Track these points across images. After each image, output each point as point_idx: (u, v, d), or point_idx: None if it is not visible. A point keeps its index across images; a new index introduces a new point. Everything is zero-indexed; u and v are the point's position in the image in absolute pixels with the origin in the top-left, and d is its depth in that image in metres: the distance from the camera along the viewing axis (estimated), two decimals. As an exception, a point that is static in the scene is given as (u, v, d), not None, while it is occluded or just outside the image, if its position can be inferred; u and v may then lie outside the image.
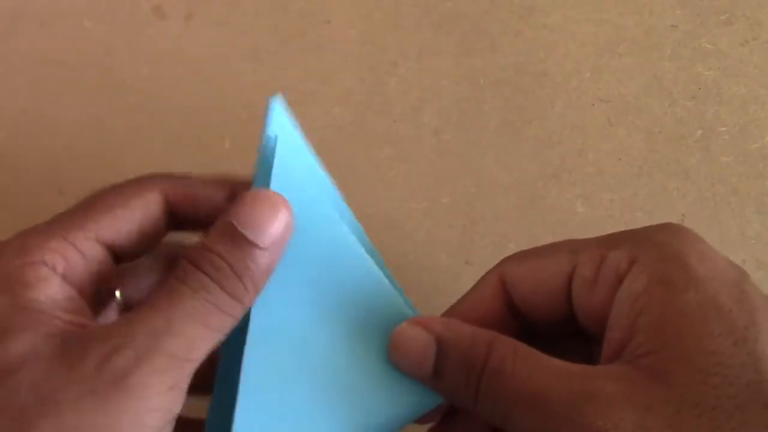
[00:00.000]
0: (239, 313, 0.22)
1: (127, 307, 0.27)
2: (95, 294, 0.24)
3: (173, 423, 0.21)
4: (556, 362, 0.21)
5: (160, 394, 0.20)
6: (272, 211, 0.22)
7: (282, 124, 0.25)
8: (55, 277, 0.22)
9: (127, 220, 0.24)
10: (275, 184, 0.24)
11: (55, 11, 0.41)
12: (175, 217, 0.26)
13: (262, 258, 0.22)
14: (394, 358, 0.24)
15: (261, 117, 0.40)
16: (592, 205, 0.38)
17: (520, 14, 0.42)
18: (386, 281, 0.25)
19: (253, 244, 0.22)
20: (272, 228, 0.22)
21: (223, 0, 0.42)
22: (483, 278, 0.26)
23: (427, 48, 0.41)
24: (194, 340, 0.21)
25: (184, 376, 0.21)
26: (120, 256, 0.25)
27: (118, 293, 0.26)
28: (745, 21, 0.42)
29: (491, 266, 0.27)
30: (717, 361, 0.20)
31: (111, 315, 0.26)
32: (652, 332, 0.21)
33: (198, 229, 0.26)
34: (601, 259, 0.23)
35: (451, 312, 0.26)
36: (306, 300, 0.24)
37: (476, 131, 0.39)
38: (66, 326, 0.21)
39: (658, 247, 0.22)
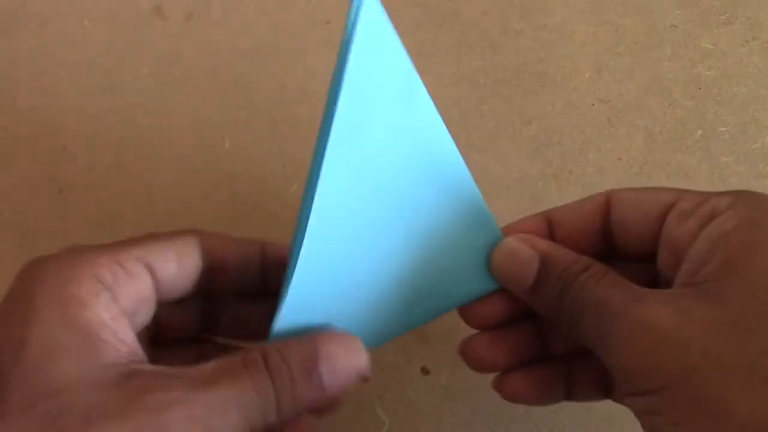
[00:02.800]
0: (273, 422, 0.23)
1: (154, 342, 0.27)
2: (139, 322, 0.24)
3: None
4: (635, 286, 0.23)
5: None
6: (357, 365, 0.24)
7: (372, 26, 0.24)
8: (109, 297, 0.22)
9: (171, 253, 0.25)
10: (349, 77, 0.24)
11: (55, 11, 0.41)
12: (212, 270, 0.26)
13: (320, 399, 0.23)
14: (496, 268, 0.27)
15: (261, 117, 0.40)
16: (592, 205, 0.38)
17: (520, 14, 0.42)
18: (461, 164, 0.27)
19: (322, 388, 0.23)
20: (347, 382, 0.23)
21: (223, 0, 0.42)
22: (592, 195, 0.27)
23: (427, 48, 0.41)
24: (231, 426, 0.21)
25: None
26: (162, 292, 0.25)
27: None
28: (745, 21, 0.42)
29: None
30: None
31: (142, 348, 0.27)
32: (722, 263, 0.22)
33: (229, 290, 0.27)
34: (705, 199, 0.24)
35: (551, 209, 0.28)
36: (373, 177, 0.25)
37: (476, 131, 0.39)
38: (120, 357, 0.21)
39: (758, 200, 0.23)
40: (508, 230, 0.28)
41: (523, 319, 0.28)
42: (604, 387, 0.28)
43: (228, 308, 0.29)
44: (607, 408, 0.30)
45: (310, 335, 0.24)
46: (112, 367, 0.21)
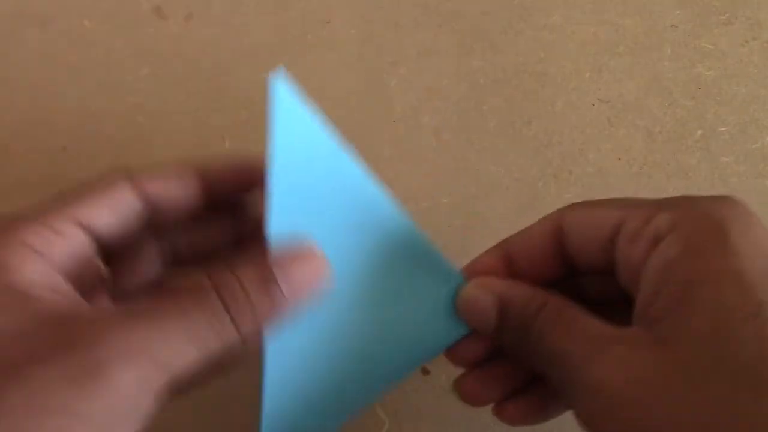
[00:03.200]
0: (235, 345, 0.22)
1: (118, 293, 0.27)
2: (80, 277, 0.24)
3: (145, 427, 0.21)
4: (589, 324, 0.23)
5: (136, 395, 0.20)
6: (315, 273, 0.23)
7: (284, 99, 0.25)
8: (37, 258, 0.22)
9: (103, 205, 0.24)
10: (277, 155, 0.24)
11: (55, 11, 0.41)
12: (151, 202, 0.26)
13: (283, 309, 0.22)
14: (460, 316, 0.27)
15: (261, 117, 0.40)
16: (592, 205, 0.38)
17: (520, 14, 0.42)
18: (403, 216, 0.26)
19: (283, 299, 0.22)
20: (308, 292, 0.23)
21: (223, 0, 0.42)
22: (544, 217, 0.27)
23: (427, 48, 0.41)
24: (182, 354, 0.21)
25: (162, 384, 0.21)
26: (103, 245, 0.25)
27: (105, 271, 0.26)
28: (745, 21, 0.42)
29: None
30: (722, 334, 0.20)
31: (102, 301, 0.26)
32: (670, 299, 0.21)
33: (177, 221, 0.27)
34: (649, 217, 0.24)
35: (506, 241, 0.28)
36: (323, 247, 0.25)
37: (476, 131, 0.39)
38: (53, 306, 0.21)
39: (702, 217, 0.22)
40: (468, 271, 0.27)
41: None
42: None
43: (183, 237, 0.28)
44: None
45: (259, 252, 0.23)
46: (47, 318, 0.20)
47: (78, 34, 0.41)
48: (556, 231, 0.26)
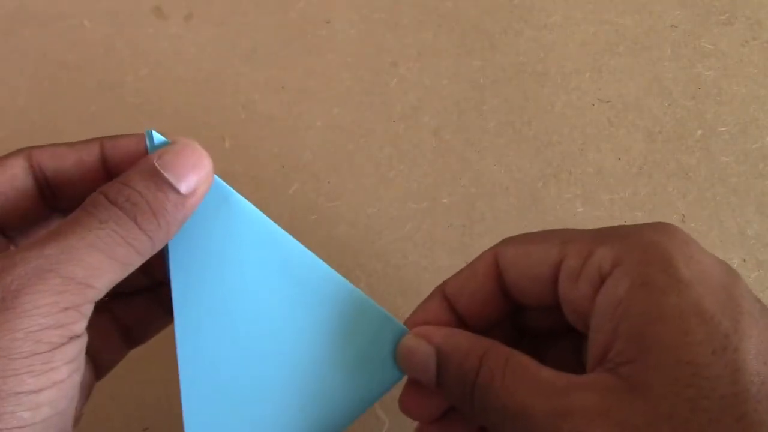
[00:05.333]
0: (147, 251, 0.22)
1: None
2: None
3: (79, 344, 0.21)
4: (544, 374, 0.22)
5: (53, 314, 0.20)
6: (196, 159, 0.23)
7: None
8: None
9: None
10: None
11: (55, 11, 0.41)
12: (51, 187, 0.25)
13: (180, 202, 0.22)
14: (402, 367, 0.26)
15: (261, 117, 0.40)
16: (592, 205, 0.38)
17: (520, 14, 0.42)
18: (325, 265, 0.26)
19: (173, 188, 0.22)
20: (194, 176, 0.23)
21: (223, 0, 0.42)
22: (480, 256, 0.26)
23: (427, 48, 0.41)
24: (94, 268, 0.21)
25: (82, 300, 0.20)
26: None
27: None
28: (745, 21, 0.42)
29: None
30: (693, 371, 0.19)
31: None
32: (632, 339, 0.20)
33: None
34: (589, 253, 0.23)
35: (444, 285, 0.27)
36: (236, 297, 0.25)
37: (476, 131, 0.39)
38: None
39: (644, 249, 0.22)
40: (410, 322, 0.26)
41: None
42: None
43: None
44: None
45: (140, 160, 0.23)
46: None
47: (78, 34, 0.41)
48: (494, 269, 0.25)
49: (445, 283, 0.27)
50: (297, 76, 0.41)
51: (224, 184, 0.25)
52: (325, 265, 0.25)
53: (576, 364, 0.26)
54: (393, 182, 0.38)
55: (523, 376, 0.22)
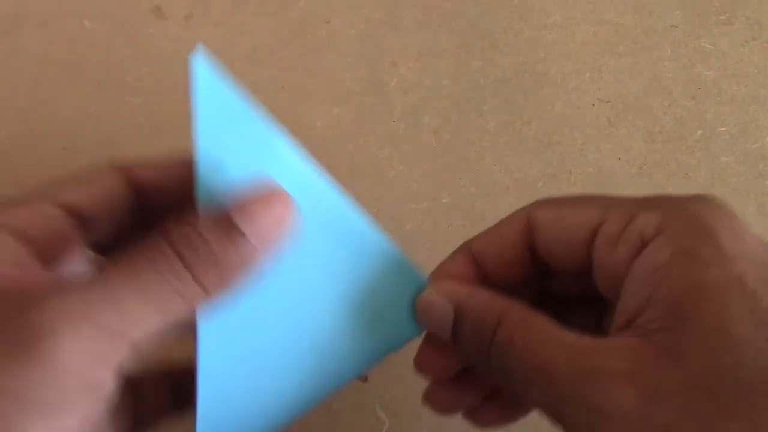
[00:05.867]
0: (200, 305, 0.20)
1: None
2: (57, 257, 0.22)
3: (112, 405, 0.19)
4: (566, 336, 0.21)
5: (86, 368, 0.18)
6: (283, 214, 0.21)
7: (207, 81, 0.23)
8: (5, 236, 0.20)
9: (89, 189, 0.23)
10: (202, 145, 0.22)
11: (55, 11, 0.41)
12: (145, 198, 0.24)
13: (251, 255, 0.20)
14: (419, 321, 0.25)
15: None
16: (592, 205, 0.38)
17: (520, 14, 0.42)
18: (355, 210, 0.25)
19: (246, 239, 0.20)
20: (276, 234, 0.21)
21: (223, 0, 0.42)
22: (511, 215, 0.25)
23: (427, 48, 0.41)
24: (136, 317, 0.18)
25: (118, 353, 0.18)
26: (78, 215, 0.23)
27: (91, 257, 0.25)
28: (745, 21, 0.42)
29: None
30: (733, 343, 0.19)
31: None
32: (668, 307, 0.20)
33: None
34: (631, 218, 0.22)
35: (472, 241, 0.26)
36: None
37: (476, 131, 0.39)
38: (3, 283, 0.19)
39: (689, 219, 0.21)
40: (435, 275, 0.26)
41: None
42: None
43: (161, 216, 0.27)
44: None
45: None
46: None
47: (78, 34, 0.41)
48: (526, 230, 0.25)
49: (472, 239, 0.26)
50: (297, 76, 0.41)
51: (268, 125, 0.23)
52: (355, 211, 0.25)
53: (597, 333, 0.26)
54: (393, 182, 0.38)
55: (544, 337, 0.21)
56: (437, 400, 0.26)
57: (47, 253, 0.22)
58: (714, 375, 0.19)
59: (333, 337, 0.25)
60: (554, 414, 0.20)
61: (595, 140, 0.39)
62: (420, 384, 0.32)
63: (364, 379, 0.23)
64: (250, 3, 0.42)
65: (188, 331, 0.22)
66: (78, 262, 0.24)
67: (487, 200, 0.38)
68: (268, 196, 0.21)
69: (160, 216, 0.25)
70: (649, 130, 0.39)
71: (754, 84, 0.40)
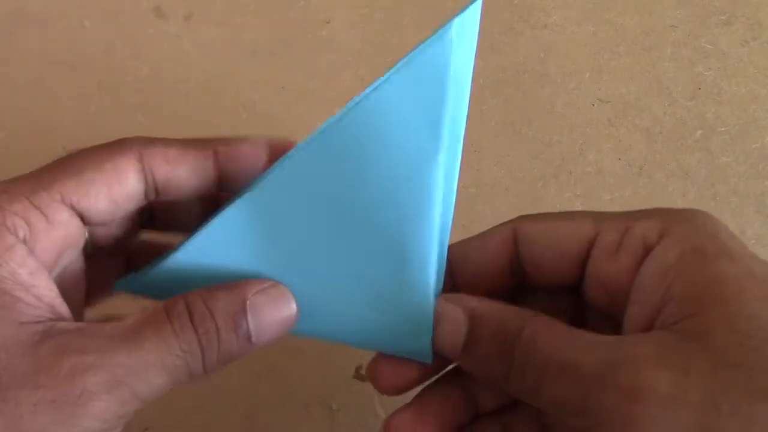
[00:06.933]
0: (197, 379, 0.22)
1: (95, 247, 0.25)
2: (59, 259, 0.23)
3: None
4: (590, 334, 0.21)
5: (110, 422, 0.20)
6: (283, 318, 0.23)
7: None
8: (21, 247, 0.21)
9: (98, 183, 0.22)
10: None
11: (55, 11, 0.41)
12: (157, 186, 0.24)
13: (246, 350, 0.22)
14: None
15: (261, 117, 0.40)
16: (592, 205, 0.38)
17: (520, 14, 0.42)
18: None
19: (249, 340, 0.22)
20: (275, 333, 0.23)
21: (223, 0, 0.42)
22: (494, 228, 0.25)
23: (427, 48, 0.41)
24: (156, 386, 0.21)
25: (134, 410, 0.21)
26: (89, 222, 0.23)
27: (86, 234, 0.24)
28: (745, 21, 0.42)
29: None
30: (756, 324, 0.19)
31: (75, 266, 0.25)
32: (686, 300, 0.20)
33: (183, 202, 0.25)
34: (627, 228, 0.23)
35: (452, 251, 0.26)
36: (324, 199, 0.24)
37: (476, 131, 0.39)
38: (37, 316, 0.20)
39: (690, 223, 0.22)
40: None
41: (444, 381, 0.26)
42: None
43: (172, 211, 0.27)
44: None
45: (235, 284, 0.22)
46: (28, 327, 0.20)
47: (78, 34, 0.41)
48: (508, 243, 0.25)
49: (453, 247, 0.26)
50: (297, 76, 0.41)
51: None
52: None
53: None
54: (393, 182, 0.38)
55: (569, 335, 0.21)
56: (401, 425, 0.25)
57: (53, 261, 0.22)
58: (741, 353, 0.19)
59: (344, 279, 0.24)
60: (578, 407, 0.20)
61: (595, 140, 0.39)
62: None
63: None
64: (250, 3, 0.42)
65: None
66: (77, 269, 0.24)
67: (487, 200, 0.38)
68: (279, 299, 0.23)
69: (165, 215, 0.26)
70: (649, 130, 0.39)
71: (754, 84, 0.40)
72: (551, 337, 0.21)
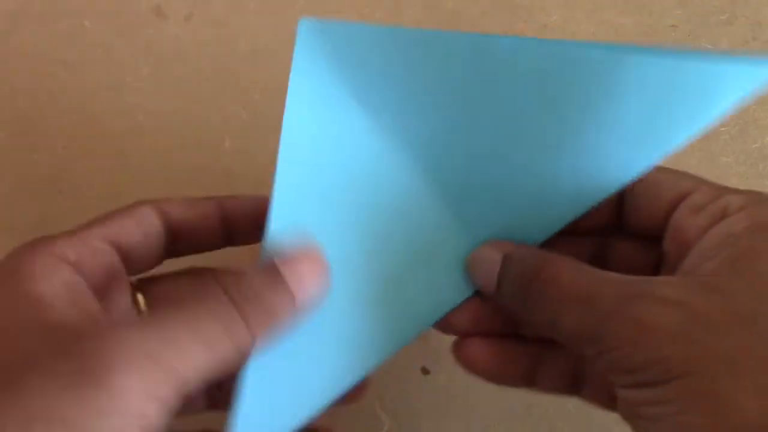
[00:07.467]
0: (247, 350, 0.22)
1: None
2: (108, 291, 0.24)
3: None
4: (611, 273, 0.22)
5: (140, 402, 0.19)
6: (317, 269, 0.23)
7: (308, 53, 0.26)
8: (65, 267, 0.22)
9: (130, 225, 0.25)
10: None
11: (55, 11, 0.41)
12: (175, 235, 0.27)
13: (291, 310, 0.22)
14: (468, 273, 0.27)
15: (261, 117, 0.40)
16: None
17: (520, 14, 0.42)
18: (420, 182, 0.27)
19: (291, 294, 0.22)
20: (312, 289, 0.23)
21: (223, 0, 0.42)
22: None
23: (427, 48, 0.41)
24: (191, 358, 0.20)
25: (172, 390, 0.20)
26: (130, 263, 0.26)
27: (141, 299, 0.27)
28: (745, 21, 0.42)
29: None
30: None
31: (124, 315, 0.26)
32: (726, 261, 0.21)
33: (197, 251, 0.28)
34: (719, 195, 0.24)
35: None
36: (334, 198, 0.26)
37: (476, 131, 0.39)
38: (63, 317, 0.21)
39: None
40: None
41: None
42: (569, 383, 0.27)
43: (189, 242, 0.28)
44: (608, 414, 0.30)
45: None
46: (53, 329, 0.20)
47: (78, 34, 0.41)
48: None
49: None
50: (297, 76, 0.41)
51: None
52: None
53: None
54: (393, 182, 0.38)
55: (591, 272, 0.23)
56: (473, 354, 0.27)
57: (101, 287, 0.24)
58: (760, 314, 0.20)
59: (383, 298, 0.26)
60: (591, 335, 0.21)
61: (595, 140, 0.39)
62: (420, 384, 0.32)
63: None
64: (250, 3, 0.42)
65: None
66: (123, 297, 0.26)
67: (487, 200, 0.38)
68: (309, 253, 0.24)
69: (187, 249, 0.28)
70: (649, 130, 0.39)
71: (754, 84, 0.40)
72: (572, 273, 0.23)
